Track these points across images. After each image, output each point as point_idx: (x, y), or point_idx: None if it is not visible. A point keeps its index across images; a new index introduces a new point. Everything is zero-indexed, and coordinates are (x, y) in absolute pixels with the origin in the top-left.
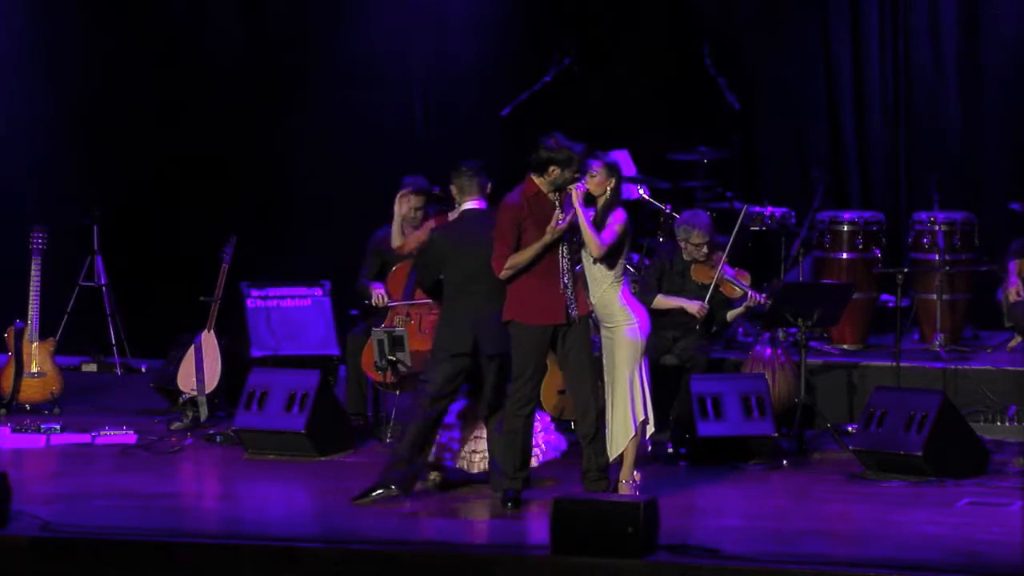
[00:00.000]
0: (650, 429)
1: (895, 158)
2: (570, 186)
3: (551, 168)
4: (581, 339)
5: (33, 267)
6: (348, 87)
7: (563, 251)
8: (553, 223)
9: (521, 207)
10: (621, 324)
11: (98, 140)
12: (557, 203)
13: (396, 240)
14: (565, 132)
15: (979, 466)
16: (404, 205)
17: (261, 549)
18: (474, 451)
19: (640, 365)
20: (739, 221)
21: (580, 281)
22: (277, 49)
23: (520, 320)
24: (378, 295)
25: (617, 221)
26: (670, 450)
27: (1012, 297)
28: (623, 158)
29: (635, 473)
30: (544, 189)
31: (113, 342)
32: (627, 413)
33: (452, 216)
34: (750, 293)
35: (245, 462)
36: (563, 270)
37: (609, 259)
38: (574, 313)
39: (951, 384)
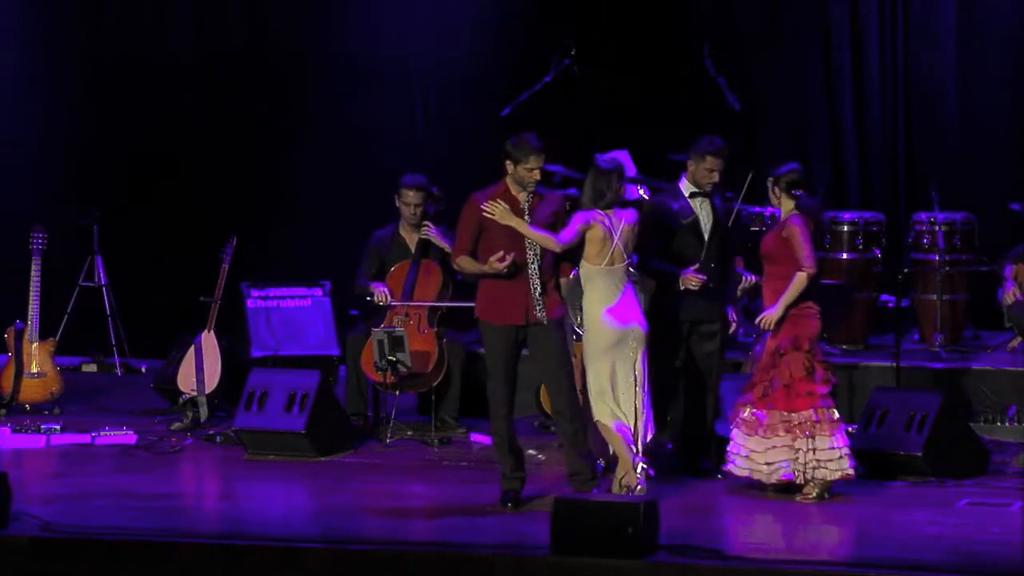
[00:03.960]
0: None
1: (895, 158)
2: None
3: (506, 163)
4: (551, 342)
5: (33, 267)
6: (348, 87)
7: (533, 252)
8: (493, 259)
9: (483, 205)
10: (584, 324)
11: (98, 140)
12: (526, 207)
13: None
14: (565, 132)
15: (979, 466)
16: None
17: (261, 549)
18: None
19: (607, 365)
20: (744, 188)
21: (553, 283)
22: (277, 49)
23: (483, 319)
24: (381, 293)
25: (577, 222)
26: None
27: (1009, 300)
28: (623, 158)
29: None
30: (511, 188)
31: (113, 342)
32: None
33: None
34: (744, 275)
35: (245, 462)
36: (531, 272)
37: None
38: (540, 315)
39: (951, 384)
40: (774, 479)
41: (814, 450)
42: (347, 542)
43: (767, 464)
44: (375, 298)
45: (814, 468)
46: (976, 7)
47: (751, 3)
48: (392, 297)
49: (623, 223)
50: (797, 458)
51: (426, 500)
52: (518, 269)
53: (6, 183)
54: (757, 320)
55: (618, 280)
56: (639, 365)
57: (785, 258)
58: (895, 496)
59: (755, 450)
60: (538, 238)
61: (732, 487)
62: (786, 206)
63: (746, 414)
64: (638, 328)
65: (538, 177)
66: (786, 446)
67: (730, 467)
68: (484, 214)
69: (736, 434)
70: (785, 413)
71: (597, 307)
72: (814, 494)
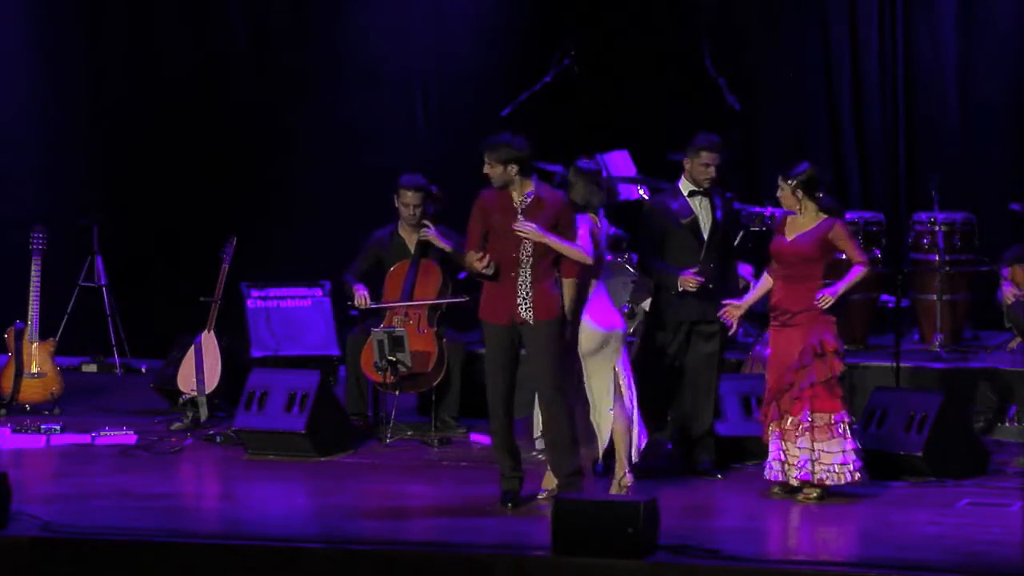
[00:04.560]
0: (603, 439)
1: (895, 158)
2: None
3: None
4: (539, 343)
5: (33, 267)
6: (348, 87)
7: (526, 254)
8: (475, 259)
9: (487, 202)
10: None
11: (98, 140)
12: (519, 207)
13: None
14: (565, 132)
15: (979, 466)
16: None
17: (261, 549)
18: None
19: (590, 365)
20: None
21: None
22: (277, 48)
23: (481, 317)
24: (361, 296)
25: (585, 228)
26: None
27: (1008, 300)
28: (623, 158)
29: (627, 475)
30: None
31: (113, 342)
32: (591, 412)
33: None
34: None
35: (245, 462)
36: (521, 273)
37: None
38: (526, 316)
39: (951, 384)
40: (797, 479)
41: (832, 452)
42: (347, 542)
43: (794, 466)
44: (356, 301)
45: (827, 470)
46: (976, 7)
47: (751, 3)
48: (390, 297)
49: (600, 225)
50: (816, 459)
51: (426, 500)
52: (504, 270)
53: (6, 183)
54: (817, 298)
55: (592, 281)
56: (620, 367)
57: (825, 259)
58: (895, 496)
59: (791, 452)
60: (570, 252)
61: (732, 487)
62: (809, 207)
63: (787, 423)
64: (619, 331)
65: (488, 173)
66: (806, 448)
67: (779, 475)
68: (516, 232)
69: (782, 444)
70: (809, 414)
71: (587, 303)
72: (815, 495)
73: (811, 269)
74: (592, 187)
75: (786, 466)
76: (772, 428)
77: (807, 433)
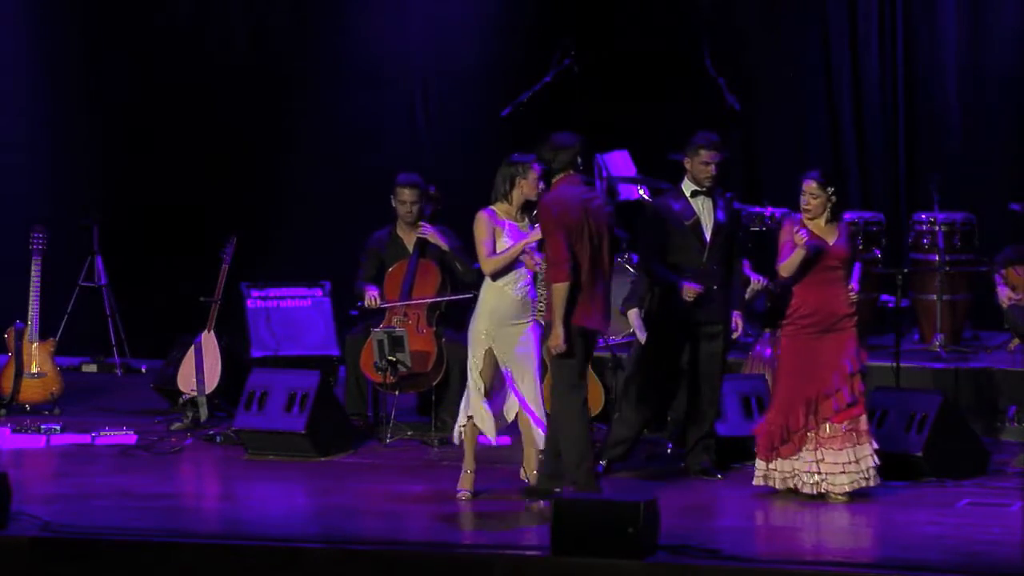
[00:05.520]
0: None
1: (895, 158)
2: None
3: None
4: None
5: (33, 267)
6: (348, 87)
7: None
8: None
9: None
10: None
11: (98, 140)
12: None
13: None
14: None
15: (979, 466)
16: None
17: (261, 549)
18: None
19: (470, 361)
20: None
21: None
22: (277, 49)
23: None
24: (371, 297)
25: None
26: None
27: (1005, 303)
28: (623, 158)
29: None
30: None
31: (113, 342)
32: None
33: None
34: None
35: (245, 462)
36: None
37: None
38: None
39: (951, 384)
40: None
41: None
42: (347, 542)
43: (848, 472)
44: (366, 302)
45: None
46: (976, 7)
47: (751, 3)
48: (388, 298)
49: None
50: (859, 463)
51: (426, 500)
52: None
53: (6, 183)
54: (855, 291)
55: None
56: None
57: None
58: (895, 496)
59: (827, 461)
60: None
61: (732, 487)
62: (829, 212)
63: (827, 431)
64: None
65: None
66: (871, 450)
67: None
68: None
69: (814, 455)
70: (854, 420)
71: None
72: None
73: (843, 272)
74: (498, 177)
75: (819, 476)
76: (810, 436)
77: (870, 436)
